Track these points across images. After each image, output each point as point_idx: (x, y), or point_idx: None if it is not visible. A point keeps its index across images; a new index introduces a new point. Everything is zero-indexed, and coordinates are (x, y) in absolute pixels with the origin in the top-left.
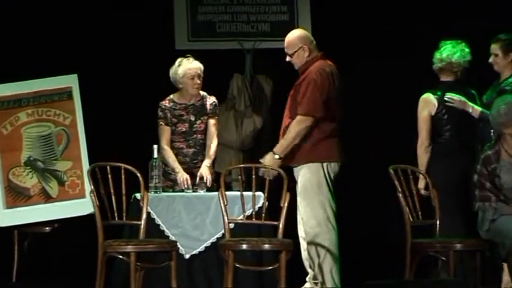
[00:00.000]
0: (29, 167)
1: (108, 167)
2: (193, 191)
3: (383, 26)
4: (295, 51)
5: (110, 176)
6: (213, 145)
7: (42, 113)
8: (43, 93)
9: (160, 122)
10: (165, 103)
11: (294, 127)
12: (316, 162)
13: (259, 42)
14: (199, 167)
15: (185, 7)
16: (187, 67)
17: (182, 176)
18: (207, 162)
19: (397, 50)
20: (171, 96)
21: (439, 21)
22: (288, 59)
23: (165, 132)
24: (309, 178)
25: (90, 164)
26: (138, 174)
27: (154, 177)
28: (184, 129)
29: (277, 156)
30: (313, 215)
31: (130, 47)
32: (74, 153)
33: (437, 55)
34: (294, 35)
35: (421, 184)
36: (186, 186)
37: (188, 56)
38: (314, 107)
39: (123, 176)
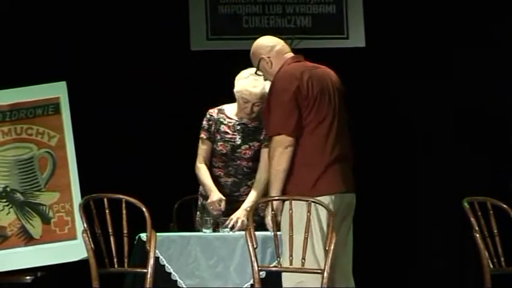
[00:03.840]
0: (5, 199)
1: (105, 200)
2: (214, 231)
3: (449, 27)
4: (258, 64)
5: (107, 211)
6: (259, 183)
7: (21, 131)
8: (23, 106)
9: (202, 134)
10: (213, 113)
11: (270, 154)
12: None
13: (297, 40)
14: (242, 201)
15: None
16: (244, 87)
17: (214, 196)
18: (246, 205)
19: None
20: (224, 106)
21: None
22: (263, 78)
23: (204, 149)
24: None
25: (82, 196)
26: (144, 209)
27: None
28: (224, 151)
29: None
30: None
31: (134, 47)
32: (62, 183)
33: None
34: (253, 45)
35: None
36: (216, 210)
37: (258, 74)
38: (280, 122)
39: (124, 211)
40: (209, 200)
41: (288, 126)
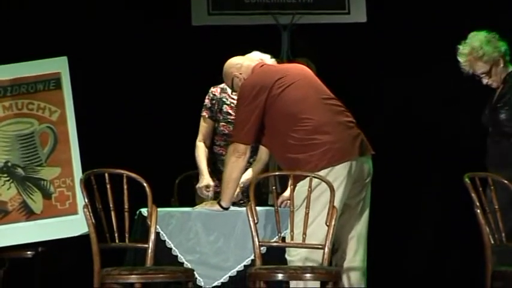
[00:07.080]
0: (6, 174)
1: (106, 175)
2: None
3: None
4: (232, 83)
5: (108, 186)
6: (258, 163)
7: (22, 106)
8: (24, 81)
9: (204, 113)
10: (216, 92)
11: (226, 159)
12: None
13: (299, 16)
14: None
15: None
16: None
17: (203, 181)
18: (240, 181)
19: None
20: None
21: None
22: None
23: (205, 127)
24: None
25: (83, 171)
26: (145, 184)
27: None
28: (226, 132)
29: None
30: None
31: (135, 23)
32: (63, 158)
33: None
34: (224, 67)
35: None
36: (203, 195)
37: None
38: (237, 130)
39: (125, 186)
40: (197, 185)
41: (243, 136)
